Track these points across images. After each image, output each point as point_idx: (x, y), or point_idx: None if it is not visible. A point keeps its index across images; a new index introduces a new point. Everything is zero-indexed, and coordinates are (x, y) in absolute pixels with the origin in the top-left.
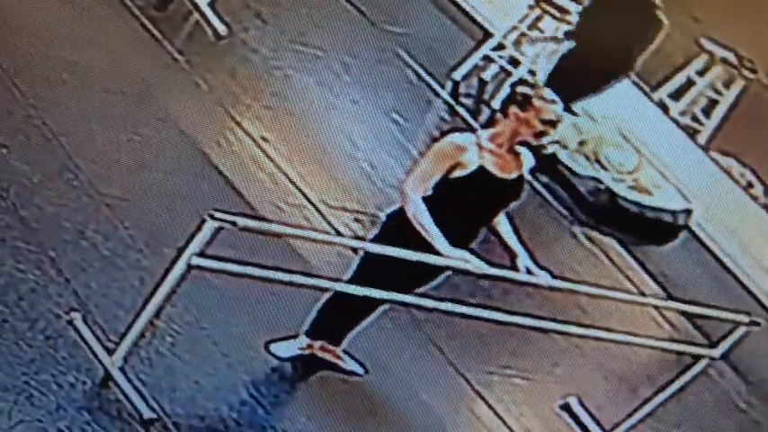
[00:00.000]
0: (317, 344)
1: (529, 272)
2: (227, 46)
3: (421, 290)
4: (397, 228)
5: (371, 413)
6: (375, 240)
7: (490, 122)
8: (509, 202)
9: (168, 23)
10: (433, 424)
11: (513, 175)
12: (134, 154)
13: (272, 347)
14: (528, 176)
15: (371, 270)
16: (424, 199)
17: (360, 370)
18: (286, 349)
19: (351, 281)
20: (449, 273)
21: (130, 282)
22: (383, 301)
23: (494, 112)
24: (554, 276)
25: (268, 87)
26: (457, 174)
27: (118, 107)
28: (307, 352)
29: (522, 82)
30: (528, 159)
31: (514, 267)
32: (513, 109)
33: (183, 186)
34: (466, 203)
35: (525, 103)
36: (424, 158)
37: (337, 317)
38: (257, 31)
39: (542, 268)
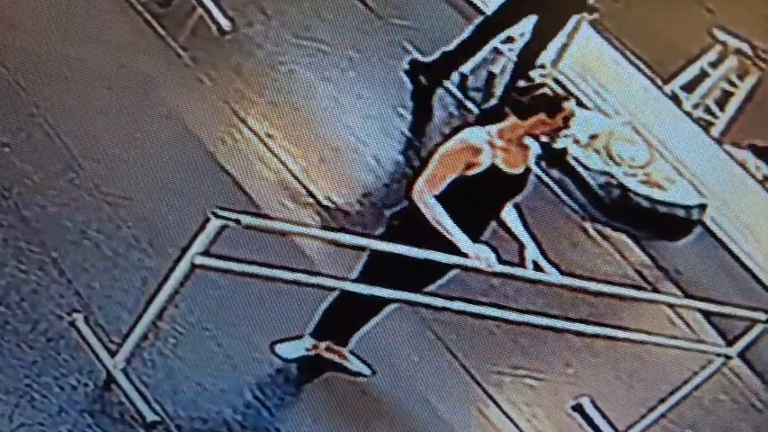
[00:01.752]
0: (323, 345)
1: (536, 266)
2: (231, 41)
3: (429, 288)
4: (403, 226)
5: (379, 416)
6: (381, 238)
7: (495, 116)
8: (516, 194)
9: (172, 19)
10: (443, 427)
11: (521, 169)
12: (137, 152)
13: (278, 348)
14: (535, 168)
15: (378, 269)
16: (435, 197)
17: (366, 371)
18: (291, 350)
19: (357, 280)
20: (457, 271)
21: (133, 282)
22: (390, 301)
23: (501, 107)
24: (564, 273)
25: (273, 83)
26: (469, 172)
27: (121, 104)
28: (312, 353)
29: (537, 85)
30: (534, 150)
31: (522, 260)
32: (540, 114)
33: (187, 184)
34: (476, 200)
35: (553, 105)
36: (436, 159)
37: (344, 317)
38: (261, 26)
39: (552, 264)
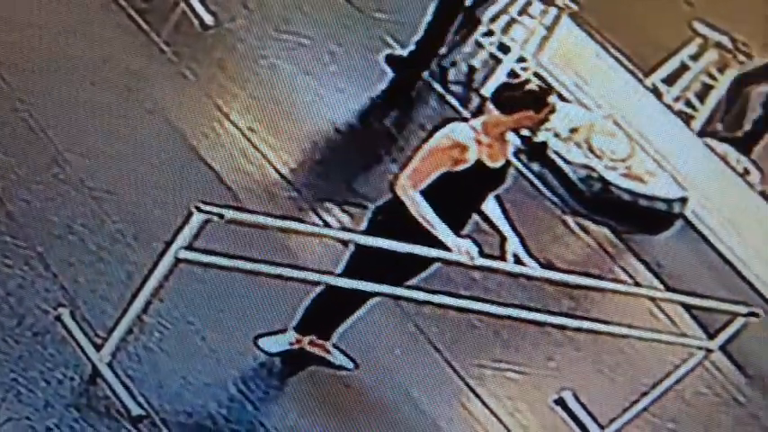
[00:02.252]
0: (306, 339)
1: (517, 259)
2: (213, 36)
3: (411, 282)
4: (387, 220)
5: (363, 409)
6: (365, 232)
7: (479, 110)
8: (497, 187)
9: (155, 14)
10: (426, 420)
11: (502, 162)
12: (121, 146)
13: (261, 342)
14: (514, 161)
15: (362, 263)
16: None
17: (349, 364)
18: (275, 344)
19: (342, 274)
20: (439, 264)
21: (118, 276)
22: (373, 294)
23: (484, 100)
24: (546, 267)
25: (255, 77)
26: (455, 168)
27: (105, 99)
28: (296, 347)
29: (523, 81)
30: (513, 143)
31: (503, 253)
32: (525, 110)
33: (171, 179)
34: (459, 194)
35: (540, 101)
36: (422, 154)
37: (327, 311)
38: (244, 21)
39: (533, 257)
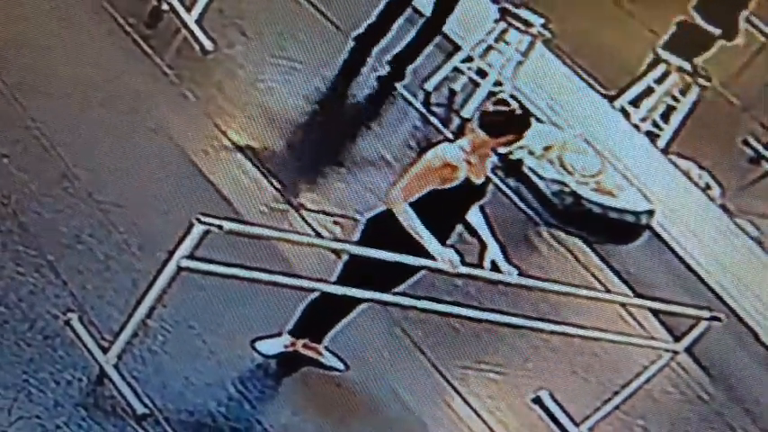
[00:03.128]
0: (300, 342)
1: (494, 266)
2: (213, 61)
3: (398, 288)
4: (378, 231)
5: (353, 408)
6: (358, 242)
7: (461, 131)
8: (479, 201)
9: (158, 39)
10: (412, 418)
11: (483, 179)
12: (127, 162)
13: (258, 345)
14: (493, 177)
15: (354, 271)
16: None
17: (340, 366)
18: (271, 347)
19: (337, 281)
20: (424, 272)
21: (124, 284)
22: (363, 301)
23: (464, 121)
24: (523, 274)
25: (251, 99)
26: (444, 186)
27: (112, 118)
28: (290, 349)
29: (511, 109)
30: (492, 160)
31: (480, 260)
32: (510, 134)
33: (173, 193)
34: (446, 207)
35: (524, 125)
36: (414, 171)
37: (320, 316)
38: (242, 47)
39: (512, 265)
